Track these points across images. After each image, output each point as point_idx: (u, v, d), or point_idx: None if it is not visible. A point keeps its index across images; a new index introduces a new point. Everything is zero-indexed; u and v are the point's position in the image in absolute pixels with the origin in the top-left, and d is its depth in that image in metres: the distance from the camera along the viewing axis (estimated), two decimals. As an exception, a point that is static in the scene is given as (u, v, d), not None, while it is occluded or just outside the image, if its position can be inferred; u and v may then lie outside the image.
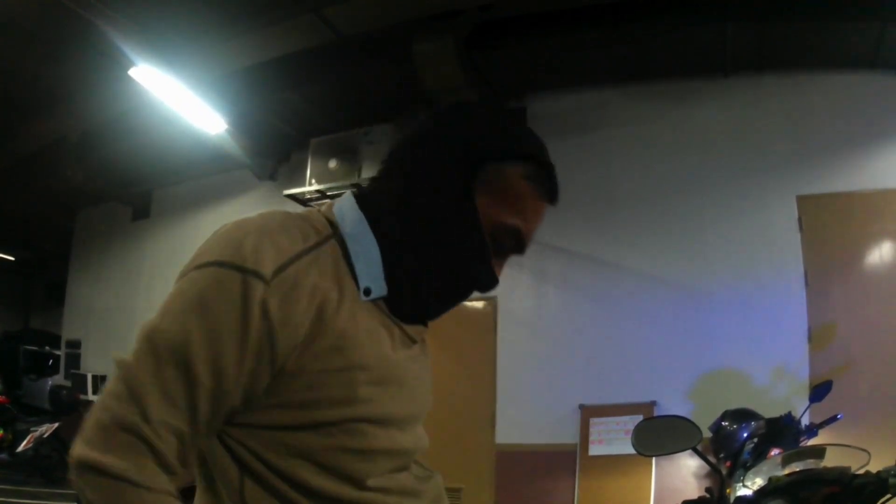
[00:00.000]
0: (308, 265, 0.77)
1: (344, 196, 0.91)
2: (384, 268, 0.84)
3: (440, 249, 0.84)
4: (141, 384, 0.70)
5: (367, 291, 0.82)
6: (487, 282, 0.87)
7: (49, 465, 7.58)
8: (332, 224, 0.86)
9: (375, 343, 0.81)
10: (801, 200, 5.16)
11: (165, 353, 0.71)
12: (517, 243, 0.86)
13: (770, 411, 3.74)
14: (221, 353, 0.71)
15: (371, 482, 0.81)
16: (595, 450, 5.35)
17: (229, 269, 0.73)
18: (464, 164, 0.83)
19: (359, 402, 0.78)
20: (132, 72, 5.22)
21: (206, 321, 0.71)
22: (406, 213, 0.85)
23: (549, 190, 0.86)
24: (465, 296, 0.89)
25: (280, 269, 0.74)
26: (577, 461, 5.39)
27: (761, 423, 3.57)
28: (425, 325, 0.93)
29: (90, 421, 0.72)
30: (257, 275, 0.72)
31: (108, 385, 0.73)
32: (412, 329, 0.89)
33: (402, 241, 0.84)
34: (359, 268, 0.83)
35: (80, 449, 0.71)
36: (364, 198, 0.89)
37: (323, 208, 0.90)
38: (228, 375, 0.72)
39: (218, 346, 0.71)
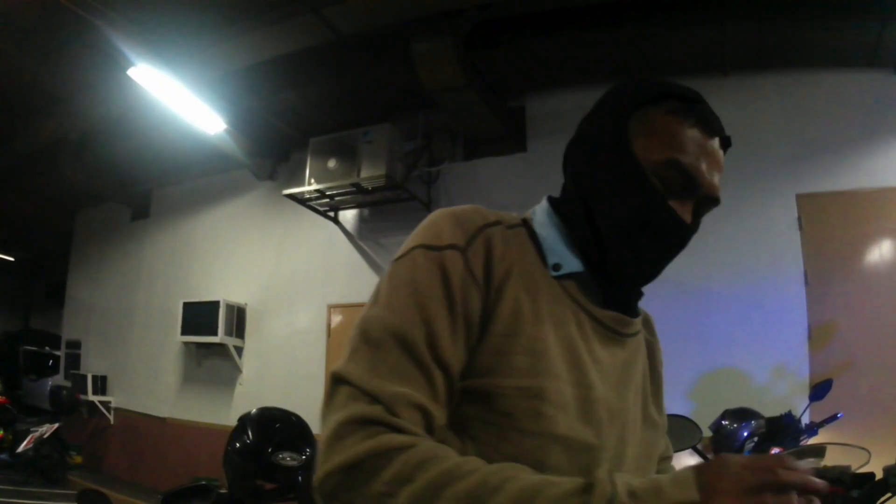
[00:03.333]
0: (497, 235, 0.82)
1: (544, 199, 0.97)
2: (576, 247, 0.87)
3: (615, 206, 0.85)
4: (365, 375, 0.71)
5: (557, 266, 0.85)
6: (672, 225, 0.84)
7: (49, 465, 7.58)
8: (525, 220, 0.90)
9: (554, 323, 0.81)
10: (801, 199, 5.16)
11: (385, 337, 0.73)
12: (687, 178, 0.83)
13: (770, 410, 3.74)
14: (433, 321, 0.74)
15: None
16: (595, 449, 5.35)
17: (427, 249, 0.78)
18: (613, 120, 0.87)
19: (523, 373, 0.76)
20: (132, 72, 5.22)
21: (414, 296, 0.75)
22: (579, 187, 0.89)
23: (700, 118, 0.85)
24: (664, 248, 0.87)
25: (472, 239, 0.80)
26: (578, 460, 5.39)
27: (761, 422, 3.57)
28: (633, 312, 0.93)
29: (323, 443, 0.70)
30: (453, 247, 0.78)
31: (330, 400, 0.73)
32: (614, 319, 0.88)
33: (583, 212, 0.87)
34: (546, 246, 0.86)
35: (322, 469, 0.69)
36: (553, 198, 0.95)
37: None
38: (444, 341, 0.74)
39: (429, 315, 0.74)
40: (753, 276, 5.16)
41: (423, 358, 0.72)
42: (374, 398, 0.69)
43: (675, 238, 0.86)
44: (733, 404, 3.96)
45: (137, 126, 6.81)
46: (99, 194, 8.89)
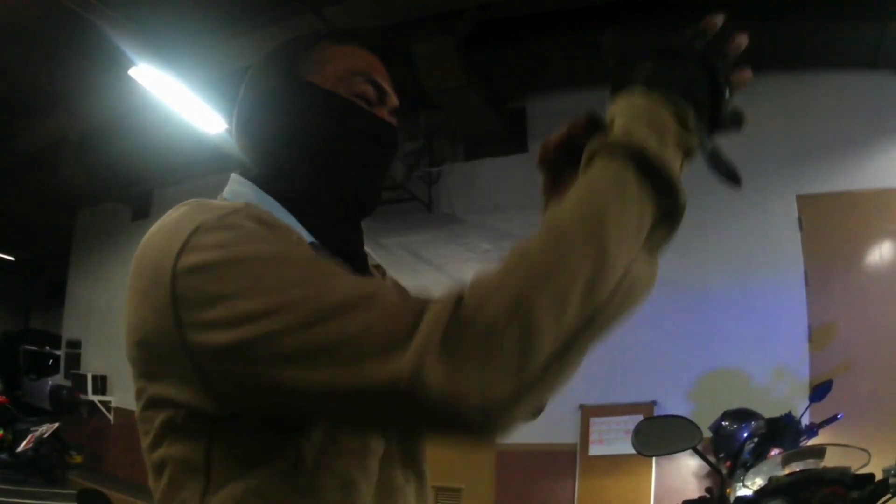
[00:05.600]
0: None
1: (230, 180, 0.84)
2: (297, 215, 0.77)
3: (325, 139, 0.80)
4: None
5: None
6: (383, 128, 0.83)
7: (49, 465, 7.58)
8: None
9: None
10: (801, 200, 5.16)
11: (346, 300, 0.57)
12: (376, 86, 0.83)
13: (770, 411, 3.74)
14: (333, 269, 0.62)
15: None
16: (595, 450, 5.35)
17: (228, 214, 0.64)
18: (282, 72, 0.84)
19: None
20: (132, 72, 5.22)
21: (272, 246, 0.61)
22: (273, 146, 0.83)
23: (356, 39, 0.86)
24: (384, 159, 0.84)
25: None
26: (578, 461, 5.38)
27: (761, 422, 3.57)
28: (362, 258, 0.83)
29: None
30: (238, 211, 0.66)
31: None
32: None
33: (290, 171, 0.80)
34: None
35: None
36: (244, 172, 0.85)
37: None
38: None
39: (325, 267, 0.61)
40: (753, 277, 5.16)
41: (370, 286, 0.60)
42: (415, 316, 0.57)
43: (389, 143, 0.84)
44: (733, 405, 3.96)
45: (138, 126, 6.81)
46: (99, 194, 8.90)
